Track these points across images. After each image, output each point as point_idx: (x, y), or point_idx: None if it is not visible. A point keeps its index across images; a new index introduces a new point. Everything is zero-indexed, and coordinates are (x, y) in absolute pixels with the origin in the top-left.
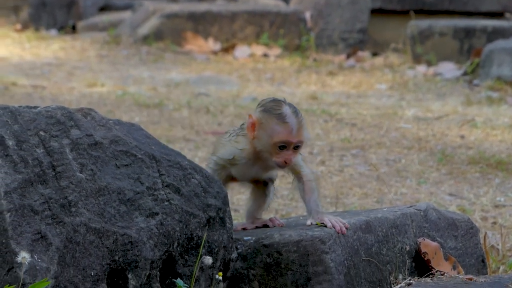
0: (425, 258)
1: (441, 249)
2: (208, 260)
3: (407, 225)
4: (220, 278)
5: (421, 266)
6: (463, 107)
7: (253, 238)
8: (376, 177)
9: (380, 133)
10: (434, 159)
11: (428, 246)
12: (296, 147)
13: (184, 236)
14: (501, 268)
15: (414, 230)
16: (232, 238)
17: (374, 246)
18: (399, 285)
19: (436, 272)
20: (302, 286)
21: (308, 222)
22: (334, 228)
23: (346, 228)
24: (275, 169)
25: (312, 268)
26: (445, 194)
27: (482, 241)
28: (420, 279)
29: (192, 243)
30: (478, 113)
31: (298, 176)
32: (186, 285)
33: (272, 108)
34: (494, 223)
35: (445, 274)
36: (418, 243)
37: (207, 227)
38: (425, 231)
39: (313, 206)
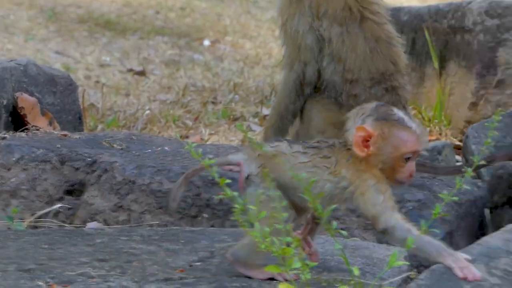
0: (21, 113)
1: (38, 104)
2: None
3: (6, 79)
4: None
5: (17, 120)
6: None
7: None
8: None
9: None
10: (44, 16)
11: (26, 101)
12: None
13: None
14: (100, 126)
15: (13, 85)
16: None
17: None
18: None
19: (32, 127)
20: None
21: None
22: None
23: None
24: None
25: None
26: (51, 51)
27: (81, 99)
28: (15, 134)
29: None
30: None
31: None
32: None
33: (387, 114)
34: (97, 82)
35: (41, 129)
36: (15, 97)
37: None
38: (24, 86)
39: None
